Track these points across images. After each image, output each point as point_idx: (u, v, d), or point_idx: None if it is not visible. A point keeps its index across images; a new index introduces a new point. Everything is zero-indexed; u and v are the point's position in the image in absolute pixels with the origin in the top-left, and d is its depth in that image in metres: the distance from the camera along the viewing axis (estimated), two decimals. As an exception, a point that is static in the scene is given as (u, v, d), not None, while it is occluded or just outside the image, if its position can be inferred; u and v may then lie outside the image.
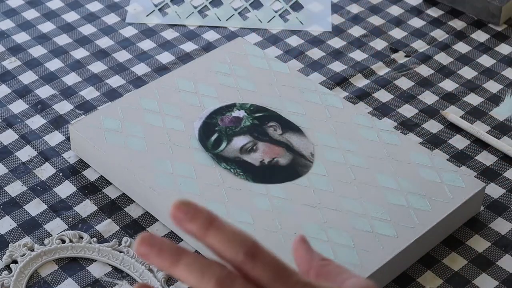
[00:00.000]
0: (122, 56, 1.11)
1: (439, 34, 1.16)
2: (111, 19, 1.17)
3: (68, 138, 0.98)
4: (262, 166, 0.91)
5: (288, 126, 0.95)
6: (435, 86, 1.07)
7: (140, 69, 1.09)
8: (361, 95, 1.05)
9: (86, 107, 1.03)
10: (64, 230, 0.88)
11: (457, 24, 1.17)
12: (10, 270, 0.84)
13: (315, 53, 1.12)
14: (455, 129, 1.01)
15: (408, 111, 1.03)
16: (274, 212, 0.86)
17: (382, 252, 0.82)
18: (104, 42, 1.13)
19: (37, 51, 1.11)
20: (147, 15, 1.18)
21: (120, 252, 0.86)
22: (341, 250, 0.82)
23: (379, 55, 1.12)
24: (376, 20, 1.18)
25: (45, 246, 0.86)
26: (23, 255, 0.85)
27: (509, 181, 0.95)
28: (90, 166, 0.95)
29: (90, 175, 0.94)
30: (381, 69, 1.10)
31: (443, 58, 1.12)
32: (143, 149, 0.91)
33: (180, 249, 0.52)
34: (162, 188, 0.87)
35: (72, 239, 0.87)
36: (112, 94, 1.05)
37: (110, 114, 0.95)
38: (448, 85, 1.08)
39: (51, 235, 0.87)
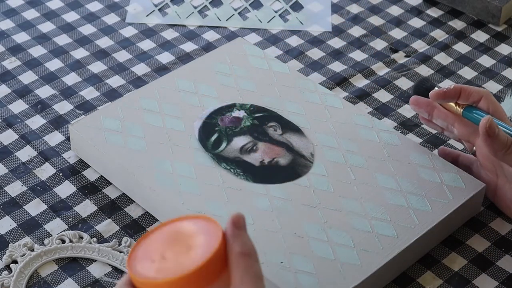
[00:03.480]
0: (122, 56, 1.11)
1: (439, 34, 1.16)
2: (111, 19, 1.17)
3: (68, 138, 0.98)
4: (262, 166, 0.91)
5: (288, 126, 0.95)
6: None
7: (140, 69, 1.09)
8: (361, 95, 1.05)
9: (86, 107, 1.03)
10: (64, 230, 0.88)
11: (457, 24, 1.17)
12: (10, 270, 0.84)
13: (315, 53, 1.12)
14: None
15: (408, 111, 1.03)
16: (274, 212, 0.86)
17: (382, 252, 0.82)
18: (104, 42, 1.13)
19: (37, 51, 1.11)
20: (147, 15, 1.18)
21: (120, 252, 0.86)
22: (341, 250, 0.82)
23: (379, 55, 1.12)
24: (376, 20, 1.18)
25: (45, 246, 0.86)
26: (23, 255, 0.85)
27: (509, 181, 0.95)
28: (90, 166, 0.95)
29: (90, 175, 0.94)
30: (381, 69, 1.10)
31: (443, 58, 1.12)
32: (143, 149, 0.91)
33: None
34: (162, 188, 0.87)
35: (72, 239, 0.87)
36: (112, 94, 1.05)
37: (110, 114, 0.95)
38: (448, 85, 1.07)
39: (51, 235, 0.87)
